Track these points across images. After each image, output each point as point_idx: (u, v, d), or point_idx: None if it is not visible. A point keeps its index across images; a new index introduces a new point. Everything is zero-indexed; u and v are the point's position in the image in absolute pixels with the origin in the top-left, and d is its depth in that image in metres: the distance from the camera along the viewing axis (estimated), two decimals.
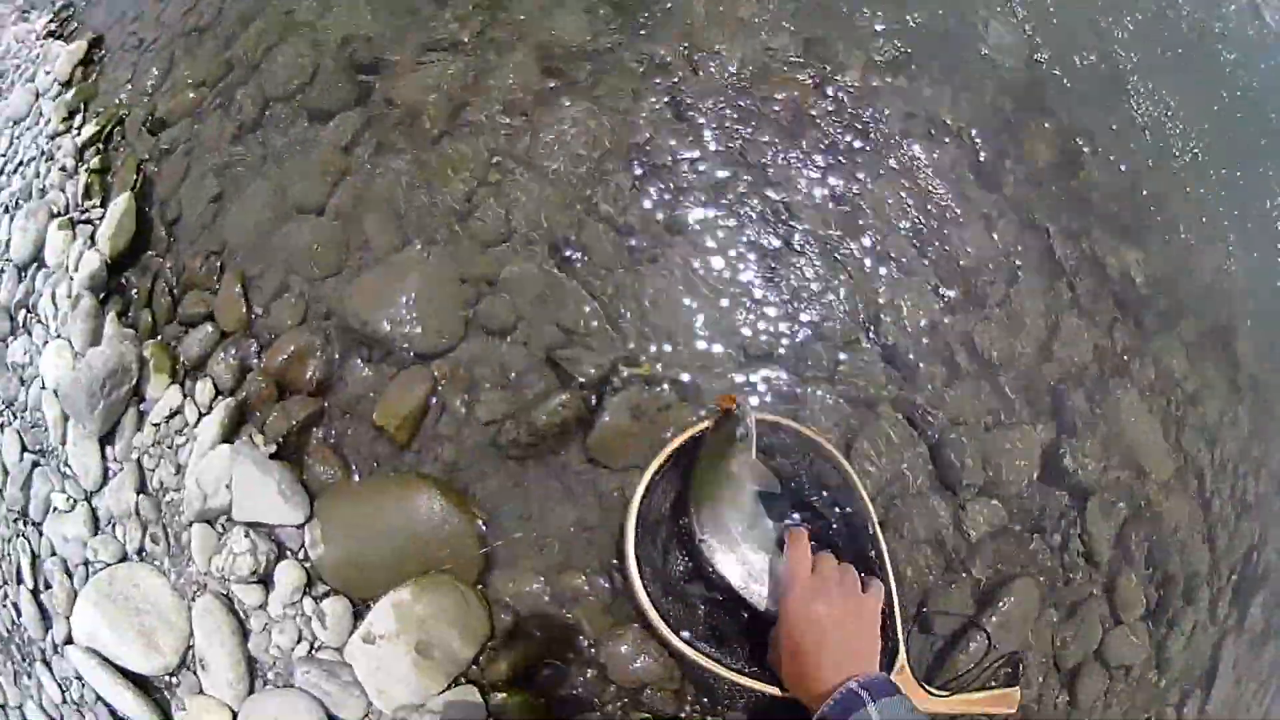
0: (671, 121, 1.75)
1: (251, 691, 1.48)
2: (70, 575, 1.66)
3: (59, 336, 1.85)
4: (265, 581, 1.51)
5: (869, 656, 1.09)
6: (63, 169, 2.17)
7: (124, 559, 1.64)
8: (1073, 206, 1.91)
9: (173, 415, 1.67)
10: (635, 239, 1.64)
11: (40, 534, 1.73)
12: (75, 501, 1.70)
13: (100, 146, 2.20)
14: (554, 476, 1.48)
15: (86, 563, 1.65)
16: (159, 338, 1.78)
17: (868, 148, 1.79)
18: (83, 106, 2.36)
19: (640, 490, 1.32)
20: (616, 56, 1.83)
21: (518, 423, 1.47)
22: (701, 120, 1.75)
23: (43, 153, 2.29)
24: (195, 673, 1.51)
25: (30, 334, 1.93)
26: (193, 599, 1.55)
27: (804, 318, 1.62)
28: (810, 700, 1.04)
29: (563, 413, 1.47)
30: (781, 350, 1.59)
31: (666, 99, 1.77)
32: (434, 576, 1.44)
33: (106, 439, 1.72)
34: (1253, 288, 2.10)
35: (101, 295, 1.87)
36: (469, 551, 1.45)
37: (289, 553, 1.52)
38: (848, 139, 1.78)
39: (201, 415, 1.64)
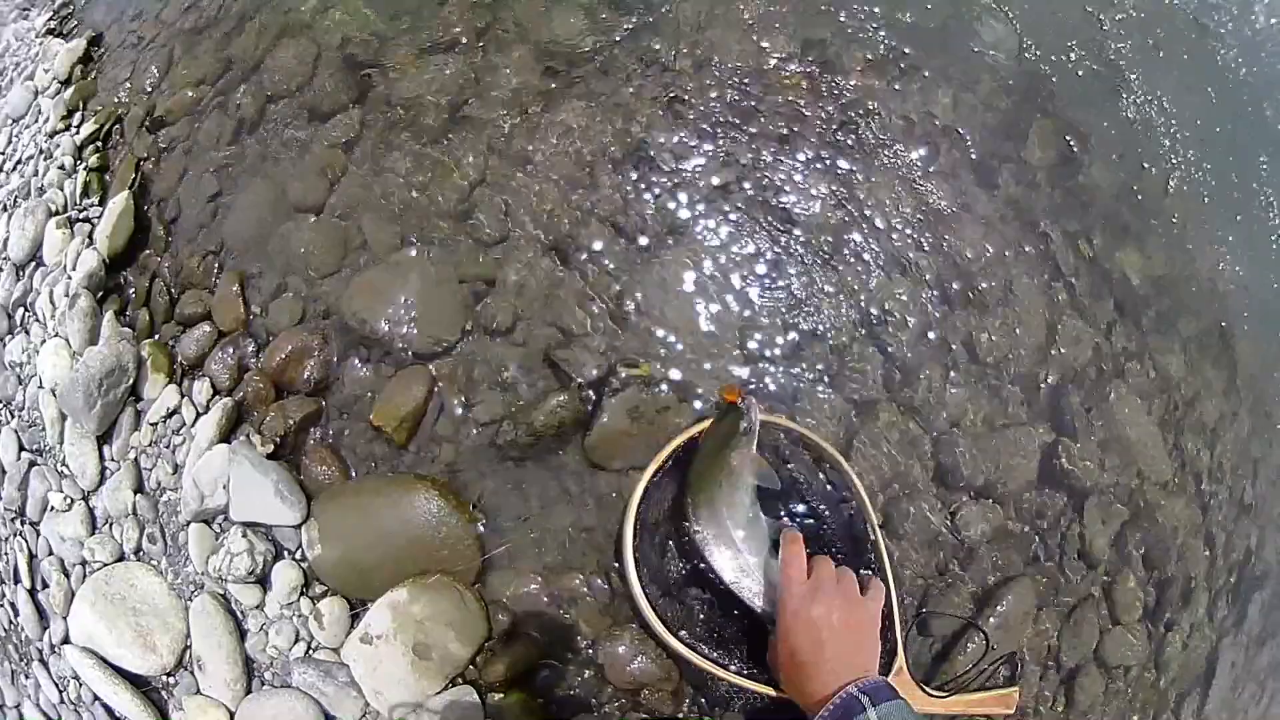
0: (670, 121, 1.74)
1: (249, 692, 1.48)
2: (68, 575, 1.66)
3: (56, 335, 1.84)
4: (262, 582, 1.51)
5: (869, 660, 1.08)
6: (61, 167, 2.17)
7: (121, 559, 1.64)
8: (1071, 207, 1.91)
9: (170, 415, 1.67)
10: (634, 239, 1.63)
11: (37, 533, 1.73)
12: (72, 501, 1.70)
13: (99, 145, 2.20)
14: (552, 477, 1.48)
15: (84, 562, 1.65)
16: (156, 337, 1.78)
17: (866, 148, 1.79)
18: (81, 105, 2.36)
19: (639, 491, 1.32)
20: (616, 56, 1.82)
21: (516, 423, 1.47)
22: (700, 120, 1.75)
23: (41, 151, 2.28)
24: (192, 673, 1.51)
25: (28, 333, 1.93)
26: (190, 599, 1.55)
27: (802, 318, 1.61)
28: (808, 704, 1.04)
29: (561, 413, 1.47)
30: (780, 351, 1.59)
31: (665, 99, 1.77)
32: (430, 577, 1.43)
33: (104, 438, 1.72)
34: (1251, 288, 2.10)
35: (99, 294, 1.87)
36: (467, 552, 1.44)
37: (286, 553, 1.52)
38: (846, 140, 1.78)
39: (199, 415, 1.64)
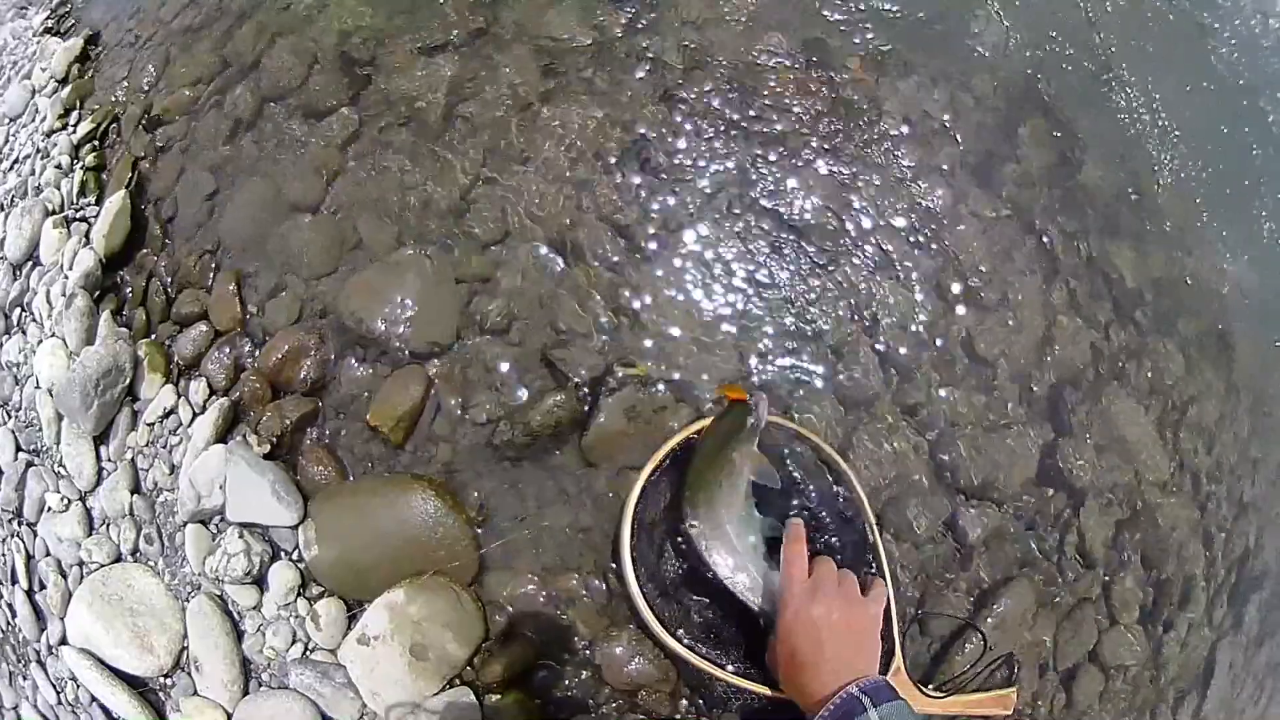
0: (669, 120, 1.74)
1: (246, 693, 1.48)
2: (65, 576, 1.66)
3: (53, 335, 1.84)
4: (259, 582, 1.51)
5: (869, 661, 1.08)
6: (58, 166, 2.16)
7: (118, 559, 1.64)
8: (1069, 207, 1.90)
9: (167, 415, 1.67)
10: (631, 238, 1.63)
11: (35, 534, 1.73)
12: (69, 502, 1.70)
13: (96, 144, 2.20)
14: (549, 477, 1.48)
15: (81, 563, 1.64)
16: (153, 337, 1.77)
17: (863, 148, 1.79)
18: (79, 104, 2.35)
19: (636, 490, 1.32)
20: (614, 54, 1.82)
21: (513, 423, 1.47)
22: (698, 119, 1.74)
23: (38, 150, 2.28)
24: (190, 674, 1.51)
25: (25, 333, 1.93)
26: (187, 600, 1.55)
27: (800, 317, 1.61)
28: (808, 704, 1.03)
29: (558, 413, 1.47)
30: (777, 350, 1.58)
31: (664, 97, 1.76)
32: (427, 578, 1.43)
33: (100, 439, 1.71)
34: (1249, 288, 2.10)
35: (96, 294, 1.86)
36: (464, 553, 1.44)
37: (283, 554, 1.52)
38: (843, 139, 1.78)
39: (195, 415, 1.64)
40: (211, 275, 1.77)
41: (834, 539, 1.37)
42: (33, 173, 2.20)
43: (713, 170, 1.70)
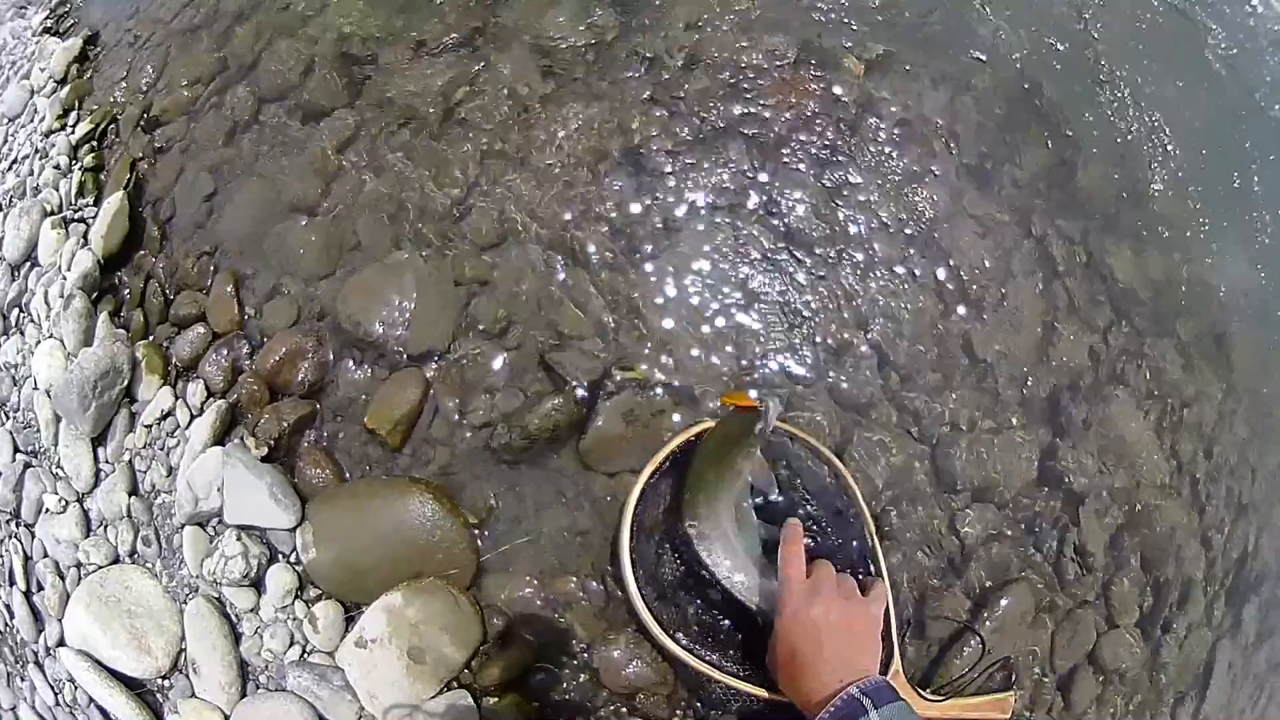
0: (667, 122, 1.74)
1: (243, 695, 1.48)
2: (62, 577, 1.65)
3: (51, 336, 1.84)
4: (257, 585, 1.51)
5: (870, 662, 1.07)
6: (57, 167, 2.16)
7: (116, 561, 1.64)
8: (1067, 209, 1.90)
9: (164, 417, 1.66)
10: (629, 241, 1.63)
11: (32, 536, 1.73)
12: (67, 503, 1.70)
13: (94, 144, 2.19)
14: (547, 481, 1.48)
15: (79, 565, 1.64)
16: (151, 338, 1.77)
17: (862, 150, 1.78)
18: (77, 104, 2.35)
19: (635, 492, 1.32)
20: (613, 56, 1.82)
21: (510, 426, 1.47)
22: (696, 121, 1.74)
23: (37, 150, 2.27)
24: (187, 676, 1.51)
25: (23, 334, 1.92)
26: (184, 602, 1.55)
27: (799, 320, 1.61)
28: (807, 706, 1.02)
29: (555, 417, 1.46)
30: (776, 353, 1.58)
31: (662, 99, 1.76)
32: (425, 581, 1.43)
33: (98, 440, 1.71)
34: (1248, 290, 2.09)
35: (94, 295, 1.86)
36: (461, 556, 1.44)
37: (280, 556, 1.52)
38: (842, 141, 1.78)
39: (193, 417, 1.64)
40: (209, 277, 1.76)
41: (833, 542, 1.37)
42: (31, 173, 2.20)
43: (711, 172, 1.70)
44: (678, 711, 1.40)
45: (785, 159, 1.73)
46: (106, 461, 1.70)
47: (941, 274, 1.73)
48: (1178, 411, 1.87)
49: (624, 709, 1.39)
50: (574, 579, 1.43)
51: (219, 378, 1.65)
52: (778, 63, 1.82)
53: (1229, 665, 1.91)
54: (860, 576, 1.27)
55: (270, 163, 1.83)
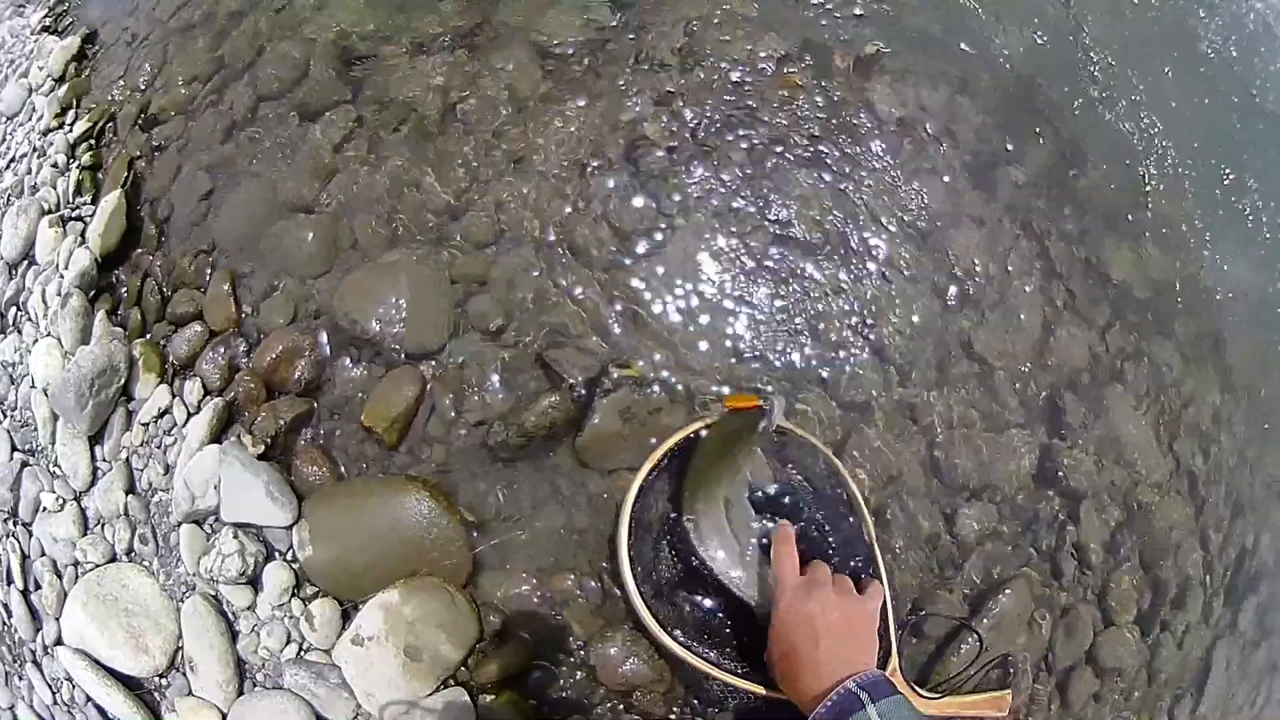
0: (665, 121, 1.74)
1: (241, 693, 1.48)
2: (60, 576, 1.65)
3: (48, 335, 1.84)
4: (254, 583, 1.50)
5: (867, 658, 1.07)
6: (54, 165, 2.15)
7: (113, 559, 1.63)
8: (1067, 209, 1.90)
9: (161, 415, 1.66)
10: (626, 239, 1.62)
11: (30, 534, 1.73)
12: (64, 501, 1.69)
13: (92, 143, 2.19)
14: (543, 478, 1.47)
15: (76, 563, 1.64)
16: (148, 336, 1.77)
17: (861, 149, 1.78)
18: (75, 102, 2.34)
19: (634, 489, 1.32)
20: (610, 55, 1.82)
21: (507, 424, 1.46)
22: (694, 120, 1.74)
23: (35, 149, 2.27)
24: (185, 674, 1.51)
25: (20, 332, 1.92)
26: (181, 600, 1.54)
27: (797, 319, 1.61)
28: (804, 701, 1.02)
29: (552, 414, 1.46)
30: (774, 352, 1.58)
31: (660, 98, 1.76)
32: (422, 579, 1.43)
33: (95, 439, 1.71)
34: (1247, 290, 2.09)
35: (91, 293, 1.86)
36: (457, 554, 1.44)
37: (277, 554, 1.51)
38: (841, 139, 1.77)
39: (190, 415, 1.63)
40: (207, 275, 1.76)
41: (830, 540, 1.37)
42: (29, 171, 2.20)
43: (709, 170, 1.70)
44: (675, 709, 1.40)
45: (783, 158, 1.73)
46: (104, 460, 1.70)
47: (940, 273, 1.73)
48: (1176, 410, 1.87)
49: (621, 706, 1.39)
50: (571, 576, 1.42)
51: (216, 376, 1.64)
52: (776, 62, 1.82)
53: (1227, 664, 1.91)
54: (862, 576, 1.27)
55: (267, 161, 1.83)
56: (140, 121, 2.08)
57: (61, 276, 1.89)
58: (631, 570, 1.27)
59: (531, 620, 1.42)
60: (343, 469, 1.54)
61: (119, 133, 2.13)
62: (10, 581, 1.72)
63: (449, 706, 1.38)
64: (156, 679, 1.53)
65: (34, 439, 1.79)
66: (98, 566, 1.62)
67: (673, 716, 1.40)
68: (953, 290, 1.73)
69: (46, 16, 2.77)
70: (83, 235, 1.95)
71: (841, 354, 1.62)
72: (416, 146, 1.74)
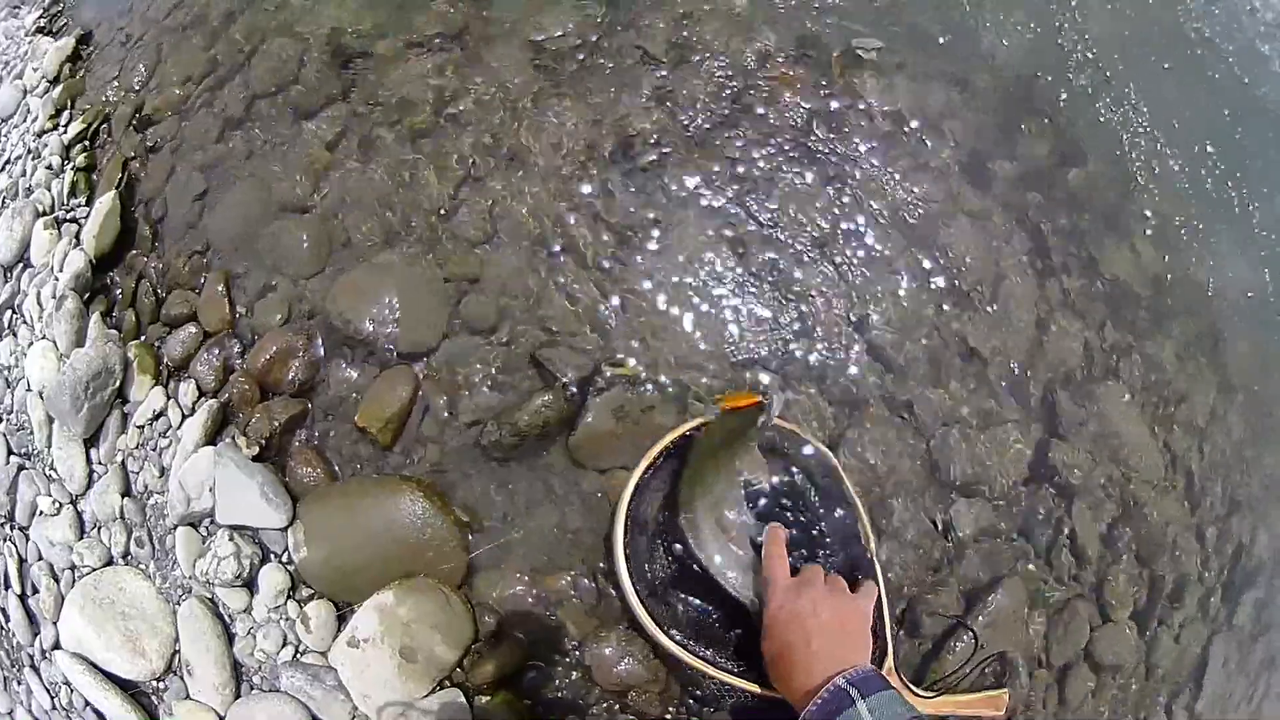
0: (659, 118, 1.73)
1: (238, 696, 1.48)
2: (57, 580, 1.65)
3: (44, 338, 1.84)
4: (249, 585, 1.50)
5: (859, 655, 1.07)
6: (49, 167, 2.16)
7: (110, 563, 1.64)
8: (1063, 205, 1.89)
9: (156, 417, 1.66)
10: (620, 238, 1.62)
11: (27, 538, 1.73)
12: (61, 505, 1.70)
13: (87, 144, 2.19)
14: (537, 478, 1.47)
15: (73, 567, 1.64)
16: (143, 338, 1.77)
17: (856, 145, 1.77)
18: (70, 103, 2.34)
19: (630, 487, 1.32)
20: (604, 52, 1.81)
21: (500, 423, 1.46)
22: (689, 117, 1.73)
23: (29, 150, 2.27)
24: (181, 677, 1.51)
25: (15, 335, 1.92)
26: (178, 603, 1.55)
27: (791, 316, 1.60)
28: (796, 699, 1.02)
29: (545, 413, 1.46)
30: (768, 350, 1.58)
31: (654, 95, 1.75)
32: (417, 580, 1.43)
33: (91, 442, 1.71)
34: (1243, 287, 2.09)
35: (86, 295, 1.86)
36: (452, 554, 1.44)
37: (273, 556, 1.52)
38: (836, 136, 1.77)
39: (185, 417, 1.63)
40: (201, 276, 1.76)
41: (826, 538, 1.36)
42: (24, 173, 2.20)
43: (702, 168, 1.69)
44: (670, 708, 1.40)
45: (777, 155, 1.72)
46: (99, 463, 1.70)
47: (936, 270, 1.72)
48: (1172, 407, 1.86)
49: (616, 706, 1.39)
50: (565, 576, 1.42)
51: (210, 377, 1.64)
52: (770, 59, 1.81)
53: (1225, 659, 1.91)
54: (857, 576, 1.27)
55: (261, 161, 1.82)
56: (134, 122, 2.08)
57: (56, 279, 1.89)
58: (628, 569, 1.27)
59: (526, 620, 1.42)
60: (337, 470, 1.54)
61: (113, 134, 2.13)
62: (8, 586, 1.72)
63: (445, 707, 1.38)
64: (154, 682, 1.54)
65: (30, 442, 1.79)
66: (95, 570, 1.62)
67: (668, 716, 1.40)
68: (947, 287, 1.72)
69: (41, 17, 2.76)
70: (77, 237, 1.95)
71: (836, 351, 1.61)
72: (410, 145, 1.73)
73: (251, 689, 1.48)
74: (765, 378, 1.55)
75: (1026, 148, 1.93)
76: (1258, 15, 2.49)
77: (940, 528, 1.58)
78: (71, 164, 2.14)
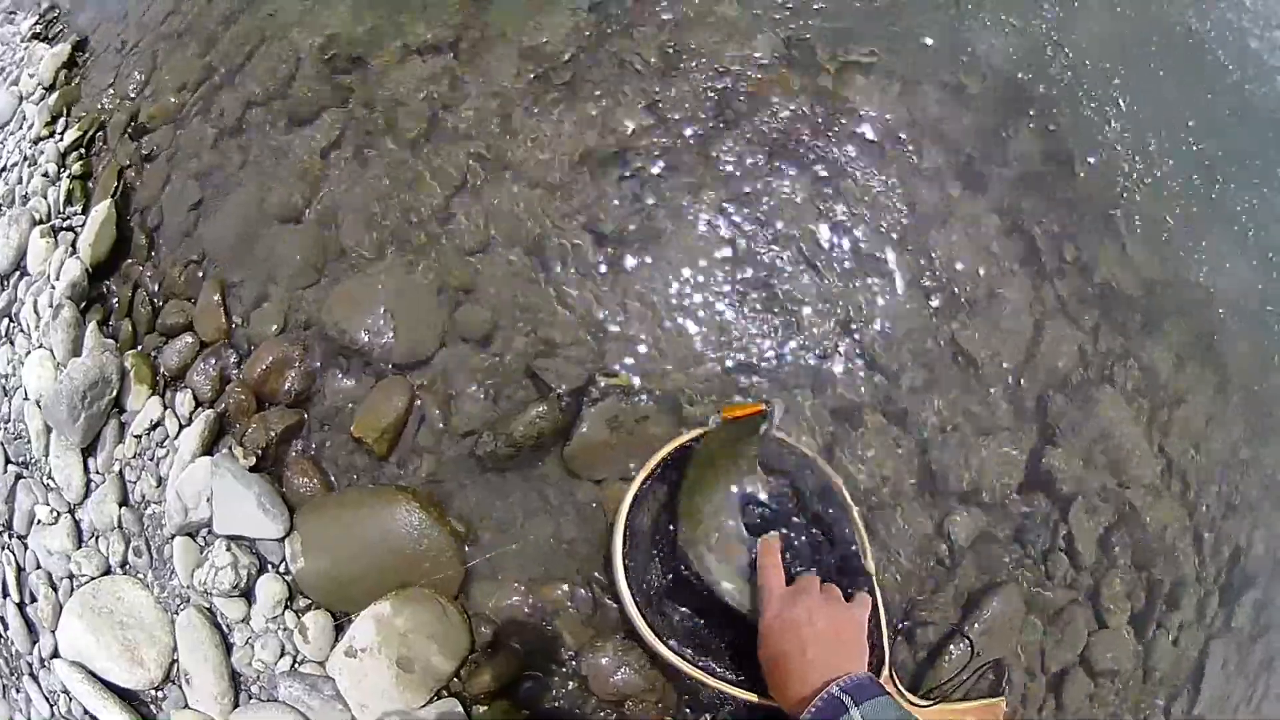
0: (653, 126, 1.73)
1: (236, 705, 1.48)
2: (55, 588, 1.66)
3: (41, 346, 1.84)
4: (247, 595, 1.51)
5: (854, 663, 1.06)
6: (45, 175, 2.16)
7: (108, 572, 1.64)
8: (1057, 210, 1.88)
9: (154, 427, 1.67)
10: (614, 247, 1.62)
11: (25, 547, 1.73)
12: (59, 514, 1.70)
13: (82, 152, 2.20)
14: (533, 488, 1.47)
15: (71, 576, 1.65)
16: (139, 348, 1.77)
17: (848, 151, 1.76)
18: (66, 110, 2.35)
19: (629, 498, 1.32)
20: (598, 60, 1.80)
21: (495, 434, 1.46)
22: (682, 125, 1.73)
23: (25, 158, 2.28)
24: (180, 687, 1.51)
25: (12, 343, 1.93)
26: (176, 612, 1.55)
27: (786, 324, 1.60)
28: (791, 707, 1.02)
29: (540, 424, 1.46)
30: (763, 358, 1.57)
31: (648, 104, 1.75)
32: (413, 590, 1.43)
33: (88, 451, 1.72)
34: (1238, 290, 2.08)
35: (82, 304, 1.86)
36: (448, 565, 1.44)
37: (270, 566, 1.52)
38: (828, 142, 1.76)
39: (182, 427, 1.64)
40: (197, 285, 1.76)
41: (822, 547, 1.36)
42: (20, 181, 2.20)
43: (695, 176, 1.69)
44: (666, 718, 1.40)
45: (770, 162, 1.72)
46: (97, 472, 1.70)
47: (929, 274, 1.71)
48: (1168, 410, 1.85)
49: (613, 716, 1.39)
50: (561, 586, 1.42)
51: (207, 387, 1.65)
52: (762, 64, 1.81)
53: (1223, 662, 1.91)
54: (852, 588, 1.27)
55: (256, 170, 1.83)
56: (130, 130, 2.08)
57: (53, 287, 1.90)
58: (627, 580, 1.27)
59: (523, 630, 1.42)
60: (333, 480, 1.55)
61: (109, 141, 2.14)
62: (6, 594, 1.72)
63: (443, 717, 1.38)
64: (152, 691, 1.54)
65: (28, 451, 1.80)
66: (93, 579, 1.63)
67: None
68: (940, 292, 1.71)
69: (37, 23, 2.77)
70: (73, 245, 1.95)
71: (830, 358, 1.61)
72: (403, 153, 1.73)
73: (250, 698, 1.49)
74: (759, 386, 1.55)
75: (1019, 151, 1.91)
76: (1253, 15, 2.48)
77: (936, 535, 1.58)
78: (67, 171, 2.14)
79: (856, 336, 1.63)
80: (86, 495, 1.70)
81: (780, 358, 1.58)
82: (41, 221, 2.05)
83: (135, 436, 1.68)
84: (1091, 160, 1.98)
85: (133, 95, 2.17)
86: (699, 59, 1.79)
